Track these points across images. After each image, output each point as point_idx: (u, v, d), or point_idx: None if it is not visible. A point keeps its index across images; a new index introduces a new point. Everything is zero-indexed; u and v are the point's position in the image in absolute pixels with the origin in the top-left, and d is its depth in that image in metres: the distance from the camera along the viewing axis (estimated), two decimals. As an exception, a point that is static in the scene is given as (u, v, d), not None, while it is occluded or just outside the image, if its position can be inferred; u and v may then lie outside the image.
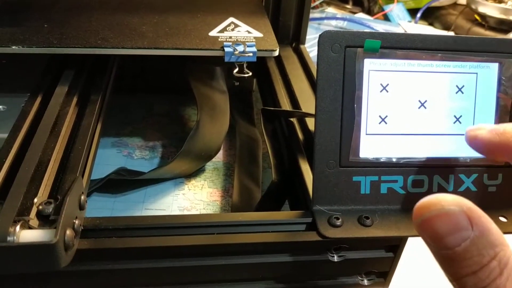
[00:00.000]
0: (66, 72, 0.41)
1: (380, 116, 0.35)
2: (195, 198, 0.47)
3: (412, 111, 0.35)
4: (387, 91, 0.35)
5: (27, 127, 0.35)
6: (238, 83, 0.47)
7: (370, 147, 0.35)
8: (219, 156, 0.53)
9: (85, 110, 0.38)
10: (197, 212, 0.46)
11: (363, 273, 0.36)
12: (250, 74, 0.41)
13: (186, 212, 0.46)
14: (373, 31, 0.34)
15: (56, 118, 0.36)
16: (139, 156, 0.52)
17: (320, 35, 0.34)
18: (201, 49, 0.41)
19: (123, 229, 0.30)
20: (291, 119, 0.45)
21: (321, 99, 0.34)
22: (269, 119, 0.46)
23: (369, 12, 0.98)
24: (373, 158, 0.35)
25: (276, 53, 0.42)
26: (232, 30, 0.45)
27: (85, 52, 0.40)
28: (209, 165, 0.52)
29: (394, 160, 0.35)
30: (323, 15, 0.91)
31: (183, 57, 0.42)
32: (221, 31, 0.44)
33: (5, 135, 0.39)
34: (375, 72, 0.34)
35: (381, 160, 0.35)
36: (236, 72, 0.41)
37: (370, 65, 0.34)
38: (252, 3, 0.53)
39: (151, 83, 0.61)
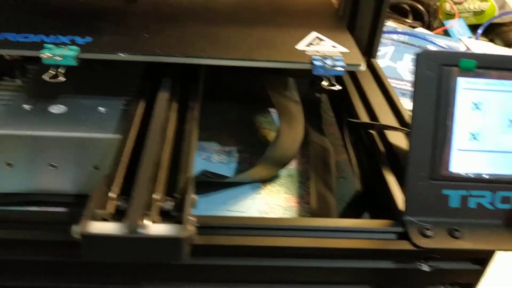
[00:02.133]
0: (164, 79, 0.44)
1: (471, 133, 0.36)
2: (272, 202, 0.50)
3: (503, 129, 0.36)
4: (479, 109, 0.36)
5: (137, 129, 0.38)
6: (319, 95, 0.49)
7: (460, 163, 0.36)
8: (292, 164, 0.55)
9: (185, 115, 0.41)
10: (276, 216, 0.48)
11: (448, 284, 0.37)
12: (340, 87, 0.43)
13: (265, 215, 0.48)
14: (469, 51, 0.35)
15: (163, 122, 0.39)
16: (217, 160, 0.55)
17: (417, 54, 0.35)
18: (291, 62, 0.43)
19: (232, 228, 0.32)
20: (371, 131, 0.46)
21: (416, 115, 0.35)
22: (352, 131, 0.48)
23: (429, 26, 0.99)
24: (463, 173, 0.36)
25: (363, 68, 0.44)
26: (318, 44, 0.47)
27: (187, 61, 0.43)
28: (283, 172, 0.54)
29: (483, 176, 0.36)
30: (384, 29, 0.92)
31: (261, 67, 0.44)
32: (307, 45, 0.47)
33: (109, 135, 0.42)
34: (469, 90, 0.36)
35: (471, 175, 0.36)
36: (327, 85, 0.43)
37: (464, 83, 0.36)
38: (331, 17, 0.55)
39: (225, 90, 0.64)
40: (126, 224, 0.28)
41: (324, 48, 0.46)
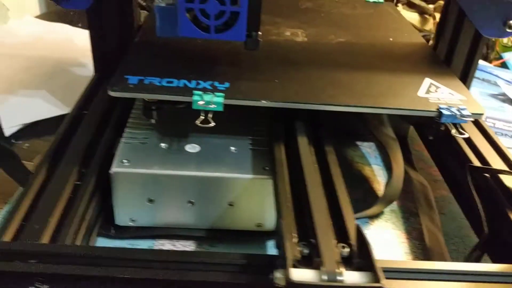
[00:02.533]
0: (297, 123, 0.47)
1: None
2: (384, 238, 0.52)
3: None
4: None
5: (287, 172, 0.41)
6: (431, 138, 0.52)
7: None
8: (393, 199, 0.58)
9: (325, 158, 0.44)
10: (388, 253, 0.50)
11: None
12: (468, 135, 0.46)
13: (379, 253, 0.50)
14: None
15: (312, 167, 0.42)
16: (323, 195, 0.58)
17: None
18: (420, 111, 0.46)
19: (413, 272, 0.35)
20: (486, 175, 0.49)
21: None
22: (472, 175, 0.50)
23: (486, 58, 1.02)
24: None
25: (484, 117, 0.47)
26: (435, 91, 0.50)
27: (326, 108, 0.46)
28: (387, 208, 0.57)
29: None
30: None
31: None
32: (426, 92, 0.50)
33: (245, 175, 0.45)
34: None
35: None
36: (454, 133, 0.46)
37: None
38: (434, 61, 0.59)
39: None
40: (325, 272, 0.31)
41: (444, 96, 0.49)
